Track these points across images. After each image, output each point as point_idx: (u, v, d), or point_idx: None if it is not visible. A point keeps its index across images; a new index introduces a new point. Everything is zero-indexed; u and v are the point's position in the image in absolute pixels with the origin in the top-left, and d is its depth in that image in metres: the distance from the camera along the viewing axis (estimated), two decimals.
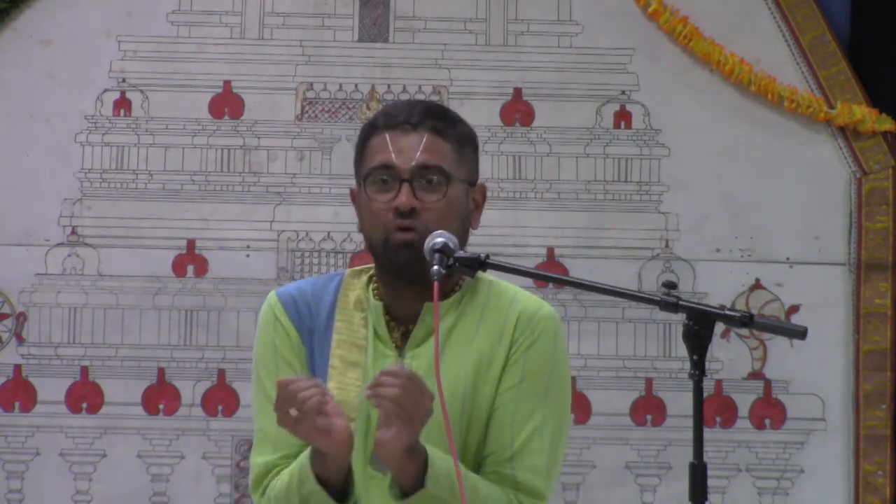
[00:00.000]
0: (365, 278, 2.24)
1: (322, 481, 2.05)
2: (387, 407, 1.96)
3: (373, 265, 2.25)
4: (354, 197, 2.24)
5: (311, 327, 2.21)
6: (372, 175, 2.16)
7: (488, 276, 2.24)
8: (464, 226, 2.17)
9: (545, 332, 2.18)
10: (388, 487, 2.04)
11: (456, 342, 2.18)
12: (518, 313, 2.18)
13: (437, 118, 2.19)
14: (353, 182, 2.22)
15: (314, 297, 2.23)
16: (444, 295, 2.18)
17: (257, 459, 2.19)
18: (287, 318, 2.22)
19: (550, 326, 2.19)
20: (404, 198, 2.12)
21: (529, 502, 2.12)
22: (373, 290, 2.22)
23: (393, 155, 2.15)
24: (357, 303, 2.21)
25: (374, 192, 2.15)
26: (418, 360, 2.14)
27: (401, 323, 2.19)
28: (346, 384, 2.16)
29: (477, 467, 2.15)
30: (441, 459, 2.03)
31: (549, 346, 2.18)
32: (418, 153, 2.14)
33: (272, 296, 2.25)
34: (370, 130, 2.20)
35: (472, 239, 2.23)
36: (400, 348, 2.18)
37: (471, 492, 2.04)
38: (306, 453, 2.08)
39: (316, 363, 2.19)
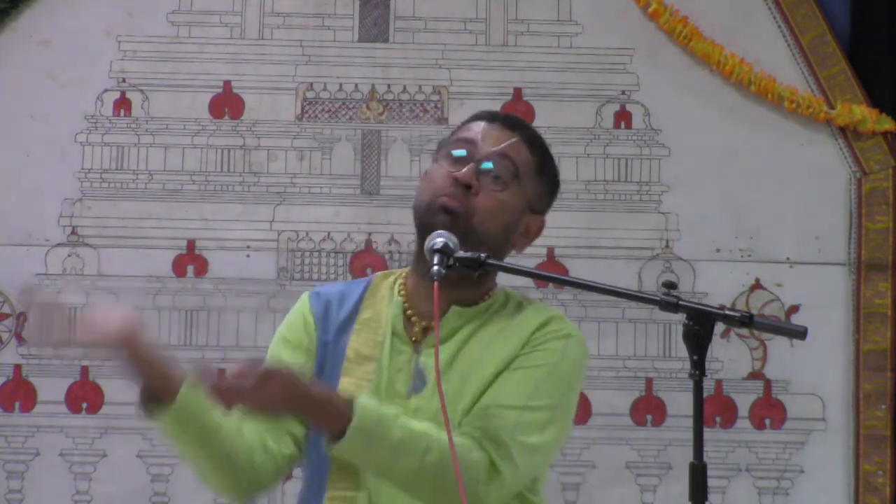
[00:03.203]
0: (392, 278, 2.28)
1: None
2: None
3: (403, 269, 2.28)
4: (423, 176, 2.28)
5: (332, 322, 2.23)
6: (449, 146, 2.21)
7: (520, 294, 2.27)
8: (506, 236, 2.21)
9: (557, 346, 2.17)
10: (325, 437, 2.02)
11: (475, 349, 2.18)
12: (536, 326, 2.18)
13: (533, 135, 2.27)
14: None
15: (342, 295, 2.26)
16: (472, 301, 2.21)
17: None
18: (311, 312, 2.25)
19: (565, 343, 2.18)
20: (465, 171, 2.15)
21: (494, 450, 2.06)
22: (399, 287, 2.24)
23: (479, 135, 2.21)
24: (381, 299, 2.24)
25: (445, 162, 2.20)
26: (431, 359, 2.13)
27: (423, 318, 2.20)
28: (359, 378, 2.16)
29: None
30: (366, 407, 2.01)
31: (555, 355, 2.17)
32: (502, 144, 2.20)
33: (305, 295, 2.31)
34: (469, 119, 2.29)
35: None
36: (417, 343, 2.19)
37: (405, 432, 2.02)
38: None
39: (329, 356, 2.21)
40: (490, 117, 2.26)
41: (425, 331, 2.19)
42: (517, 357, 2.15)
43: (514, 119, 2.29)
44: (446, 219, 2.12)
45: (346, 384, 2.15)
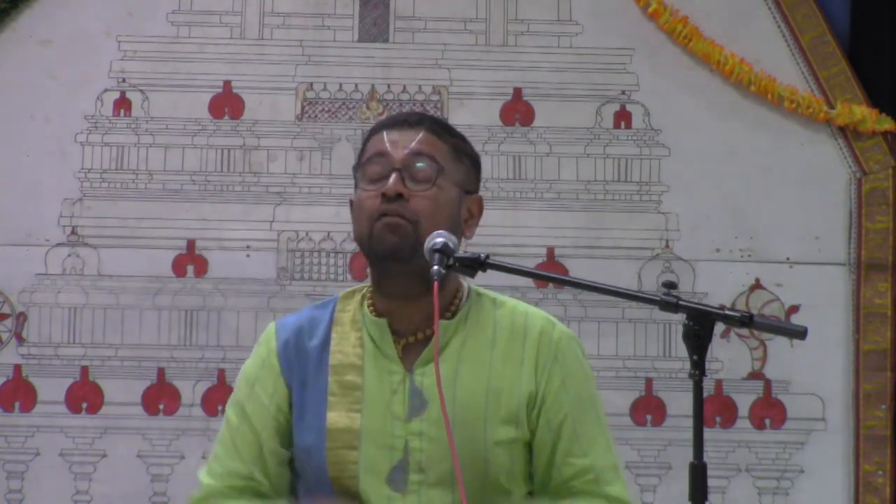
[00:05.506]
0: (358, 297, 2.23)
1: None
2: None
3: (365, 285, 2.24)
4: (353, 206, 2.23)
5: (302, 365, 2.19)
6: (365, 166, 2.17)
7: (490, 292, 2.25)
8: (454, 229, 2.15)
9: (573, 360, 2.20)
10: None
11: (469, 362, 2.15)
12: (536, 340, 2.18)
13: (435, 122, 2.23)
14: (352, 182, 2.22)
15: (309, 329, 2.21)
16: (443, 310, 2.17)
17: (204, 479, 2.19)
18: (277, 359, 2.20)
19: (573, 351, 2.20)
20: (392, 183, 2.12)
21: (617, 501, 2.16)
22: (368, 307, 2.20)
23: (388, 145, 2.17)
24: (353, 322, 2.19)
25: (366, 183, 2.16)
26: (428, 378, 2.12)
27: (401, 336, 2.17)
28: (346, 410, 2.13)
29: (542, 487, 2.18)
30: None
31: (579, 373, 2.19)
32: (413, 143, 2.16)
33: (272, 327, 2.25)
34: (370, 133, 2.23)
35: (472, 239, 2.23)
36: (402, 361, 2.16)
37: None
38: None
39: (310, 392, 2.17)
40: (388, 124, 2.22)
41: (405, 348, 2.16)
42: (547, 392, 2.16)
43: (412, 115, 2.24)
44: (394, 238, 2.10)
45: (333, 419, 2.12)
